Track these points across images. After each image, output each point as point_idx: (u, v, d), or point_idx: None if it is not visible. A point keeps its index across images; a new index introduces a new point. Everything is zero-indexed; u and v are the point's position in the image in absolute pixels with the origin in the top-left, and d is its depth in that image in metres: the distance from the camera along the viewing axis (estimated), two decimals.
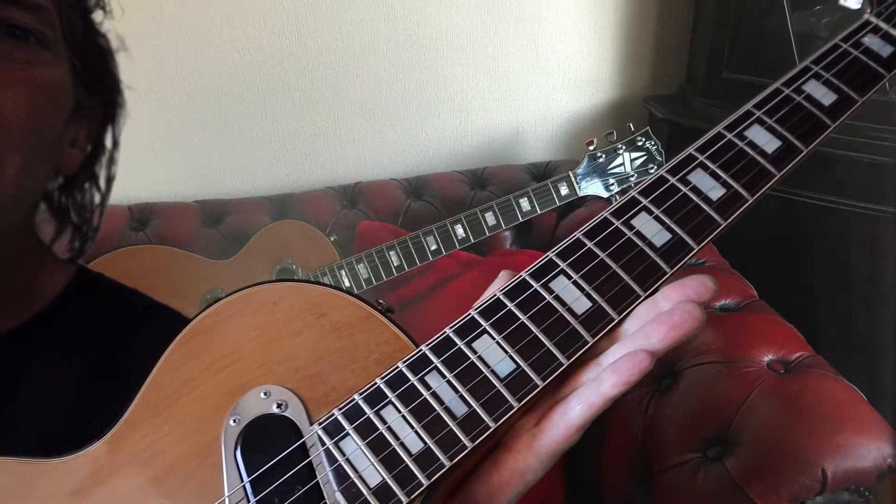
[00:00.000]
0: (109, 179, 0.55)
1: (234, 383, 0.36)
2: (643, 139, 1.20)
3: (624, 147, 1.20)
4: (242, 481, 0.34)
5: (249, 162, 1.51)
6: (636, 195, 0.38)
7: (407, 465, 0.33)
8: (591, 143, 1.20)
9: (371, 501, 0.32)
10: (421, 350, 0.36)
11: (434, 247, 1.15)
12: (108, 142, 0.55)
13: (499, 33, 1.45)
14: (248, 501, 0.33)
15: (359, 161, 1.51)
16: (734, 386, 0.81)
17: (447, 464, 0.33)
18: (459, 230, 1.15)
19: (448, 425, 0.33)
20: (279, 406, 0.35)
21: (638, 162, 1.20)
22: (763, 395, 0.78)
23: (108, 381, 0.46)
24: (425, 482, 0.32)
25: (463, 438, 0.33)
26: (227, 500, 0.33)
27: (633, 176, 1.21)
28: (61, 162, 0.49)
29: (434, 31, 1.42)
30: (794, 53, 1.18)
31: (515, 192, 1.17)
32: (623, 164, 1.20)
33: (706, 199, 0.38)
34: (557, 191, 1.18)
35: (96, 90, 0.51)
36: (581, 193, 1.19)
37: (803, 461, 0.71)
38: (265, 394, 0.36)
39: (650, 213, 0.38)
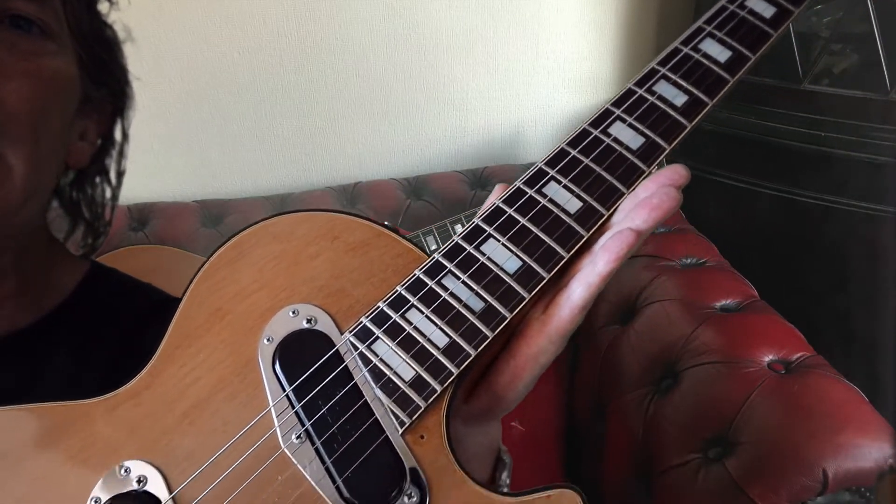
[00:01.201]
0: (120, 173, 0.55)
1: (263, 307, 0.39)
2: None
3: None
4: (284, 391, 0.36)
5: (249, 162, 1.51)
6: (610, 107, 0.43)
7: (436, 358, 0.37)
8: None
9: (409, 392, 0.36)
10: (434, 258, 0.40)
11: (434, 247, 1.14)
12: (118, 135, 0.54)
13: (499, 33, 1.45)
14: (293, 407, 0.36)
15: (359, 161, 1.51)
16: (735, 386, 0.81)
17: (472, 353, 0.37)
18: (459, 230, 1.15)
19: (469, 319, 0.38)
20: (309, 321, 0.38)
21: None
22: (764, 395, 0.78)
23: (127, 372, 0.46)
24: (455, 371, 0.37)
25: (483, 329, 0.37)
26: (272, 408, 0.36)
27: None
28: (71, 156, 0.49)
29: (434, 30, 1.41)
30: (795, 53, 1.17)
31: None
32: None
33: (672, 106, 0.43)
34: None
35: (104, 82, 0.50)
36: None
37: (804, 461, 0.71)
38: (293, 312, 0.39)
39: (623, 121, 0.42)
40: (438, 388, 0.36)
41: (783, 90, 1.20)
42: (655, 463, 0.87)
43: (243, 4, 1.38)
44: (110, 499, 0.34)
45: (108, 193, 0.55)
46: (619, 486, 0.94)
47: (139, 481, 0.35)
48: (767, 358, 0.84)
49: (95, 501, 0.34)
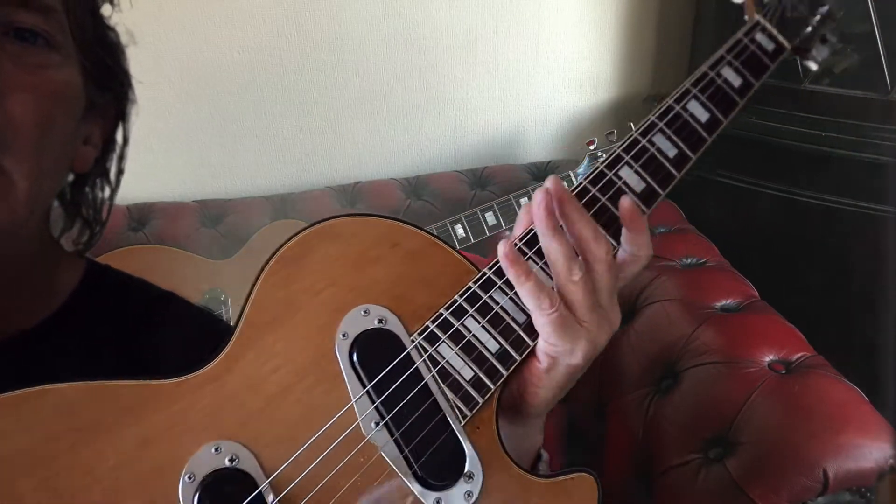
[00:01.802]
0: (119, 173, 0.56)
1: (334, 304, 0.42)
2: None
3: None
4: (365, 386, 0.41)
5: (249, 162, 1.50)
6: (623, 149, 0.50)
7: (491, 362, 0.43)
8: (591, 142, 1.20)
9: (470, 390, 0.42)
10: (486, 273, 0.45)
11: None
12: (119, 137, 0.55)
13: (499, 32, 1.45)
14: (373, 402, 0.40)
15: (358, 161, 1.51)
16: (735, 386, 0.81)
17: (518, 358, 0.44)
18: (459, 230, 1.14)
19: (515, 330, 0.44)
20: (380, 321, 0.42)
21: None
22: (764, 395, 0.78)
23: (132, 367, 0.47)
24: (505, 373, 0.43)
25: (527, 339, 0.44)
26: (354, 404, 0.40)
27: None
28: (76, 161, 0.49)
29: (434, 30, 1.41)
30: None
31: (516, 191, 1.17)
32: None
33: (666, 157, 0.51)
34: None
35: (108, 87, 0.50)
36: None
37: (804, 462, 0.71)
38: (365, 312, 0.42)
39: (630, 166, 0.50)
40: (492, 387, 0.43)
41: (784, 90, 1.20)
42: (656, 463, 0.87)
43: (243, 4, 1.38)
44: (208, 474, 0.36)
45: (107, 193, 0.55)
46: (620, 486, 0.94)
47: (231, 460, 0.37)
48: (768, 358, 0.83)
49: (190, 477, 0.36)
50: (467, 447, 0.41)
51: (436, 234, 1.14)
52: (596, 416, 1.04)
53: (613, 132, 1.20)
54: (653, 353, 0.96)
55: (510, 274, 0.43)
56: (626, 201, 0.45)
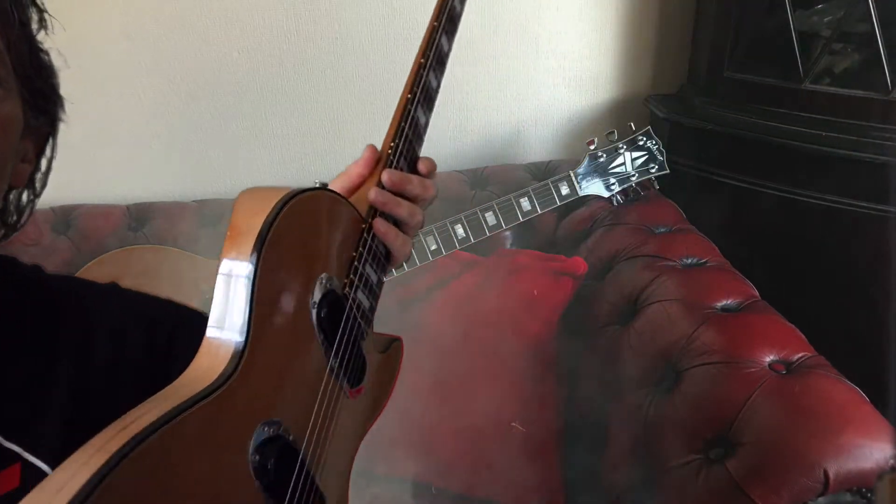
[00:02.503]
0: (44, 184, 0.57)
1: (304, 280, 0.48)
2: (644, 138, 1.20)
3: (625, 146, 1.20)
4: (333, 344, 0.49)
5: (249, 162, 1.50)
6: None
7: (375, 290, 0.57)
8: (591, 142, 1.19)
9: (368, 314, 0.55)
10: (367, 221, 0.56)
11: (434, 247, 1.14)
12: (48, 150, 0.56)
13: (499, 32, 1.45)
14: (338, 358, 0.49)
15: None
16: (735, 387, 0.81)
17: (385, 281, 0.58)
18: (459, 230, 1.14)
19: (383, 263, 0.58)
20: (329, 283, 0.50)
21: (639, 161, 1.20)
22: (765, 395, 0.78)
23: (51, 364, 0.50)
24: (379, 294, 0.57)
25: (387, 266, 0.60)
26: (330, 363, 0.49)
27: (634, 175, 1.20)
28: (14, 177, 0.51)
29: None
30: (797, 52, 1.17)
31: (516, 191, 1.17)
32: (624, 163, 1.20)
33: None
34: (558, 190, 1.17)
35: (43, 110, 0.52)
36: (582, 193, 1.19)
37: (805, 462, 0.71)
38: (321, 279, 0.49)
39: None
40: (376, 307, 0.56)
41: (784, 90, 1.20)
42: (656, 464, 0.87)
43: (243, 4, 1.38)
44: (260, 444, 0.40)
45: (27, 198, 0.56)
46: (620, 486, 0.94)
47: (277, 435, 0.42)
48: (768, 358, 0.83)
49: (255, 452, 0.40)
50: (368, 358, 0.54)
51: (436, 232, 1.14)
52: (596, 416, 1.04)
53: (614, 132, 1.20)
54: (653, 353, 0.96)
55: (387, 208, 0.57)
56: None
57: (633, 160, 1.20)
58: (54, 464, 0.44)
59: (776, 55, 1.21)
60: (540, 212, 1.17)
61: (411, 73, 0.66)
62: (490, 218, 1.15)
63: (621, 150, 1.19)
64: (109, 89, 1.41)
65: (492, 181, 1.42)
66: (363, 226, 0.55)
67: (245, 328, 0.40)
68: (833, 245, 1.18)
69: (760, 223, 1.25)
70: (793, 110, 1.19)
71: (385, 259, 0.58)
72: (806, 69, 1.17)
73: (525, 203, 1.16)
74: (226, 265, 0.42)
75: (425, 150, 0.66)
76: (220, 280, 0.42)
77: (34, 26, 0.51)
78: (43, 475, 0.43)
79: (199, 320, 0.43)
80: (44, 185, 0.57)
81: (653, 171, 1.21)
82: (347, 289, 0.52)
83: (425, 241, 1.15)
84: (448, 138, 1.52)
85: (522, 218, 1.16)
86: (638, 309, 1.03)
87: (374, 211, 0.57)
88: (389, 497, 1.09)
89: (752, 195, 1.24)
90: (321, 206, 0.50)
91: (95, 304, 0.55)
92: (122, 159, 1.46)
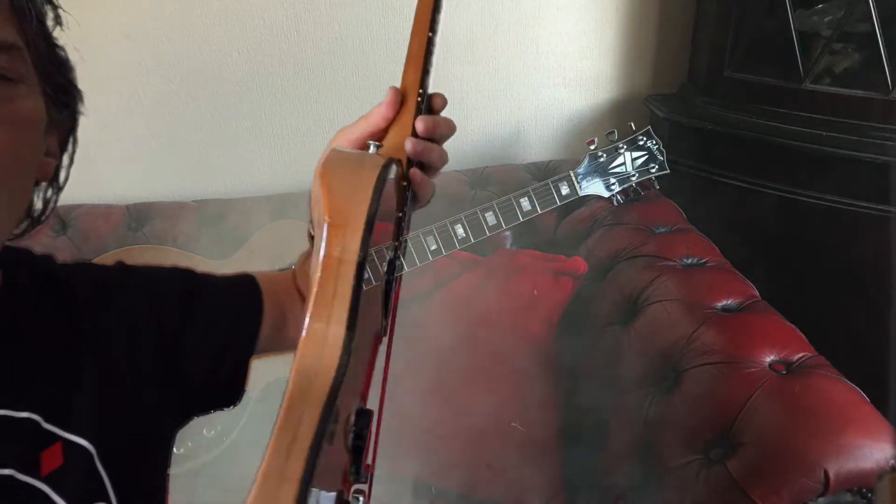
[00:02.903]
0: (66, 178, 0.59)
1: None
2: (644, 138, 1.20)
3: (625, 146, 1.19)
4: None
5: (249, 162, 1.50)
6: None
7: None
8: (591, 142, 1.19)
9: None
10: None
11: (434, 247, 1.14)
12: (70, 144, 0.58)
13: (499, 31, 1.45)
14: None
15: None
16: (736, 387, 0.81)
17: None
18: (459, 230, 1.14)
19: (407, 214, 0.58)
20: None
21: (639, 161, 1.20)
22: (765, 395, 0.78)
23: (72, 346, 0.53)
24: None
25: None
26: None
27: (634, 175, 1.20)
28: (39, 171, 0.53)
29: None
30: (797, 52, 1.17)
31: (516, 191, 1.17)
32: (624, 163, 1.20)
33: None
34: (558, 190, 1.17)
35: (65, 105, 0.54)
36: (582, 193, 1.19)
37: (805, 462, 0.71)
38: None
39: None
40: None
41: (784, 90, 1.20)
42: (656, 464, 0.87)
43: (243, 4, 1.38)
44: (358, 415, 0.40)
45: (51, 193, 0.58)
46: (620, 486, 0.94)
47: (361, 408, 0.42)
48: (769, 358, 0.83)
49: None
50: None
51: (436, 232, 1.14)
52: (596, 417, 1.04)
53: (614, 131, 1.20)
54: (653, 353, 0.95)
55: (423, 157, 0.58)
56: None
57: (633, 160, 1.20)
58: (93, 440, 0.51)
59: (776, 55, 1.21)
60: (540, 212, 1.16)
61: (422, 13, 0.64)
62: (490, 218, 1.15)
63: (621, 150, 1.19)
64: (109, 89, 1.40)
65: (492, 181, 1.42)
66: (404, 183, 0.55)
67: (352, 317, 0.40)
68: (833, 245, 1.18)
69: (761, 223, 1.25)
70: (793, 110, 1.19)
71: (411, 208, 0.58)
72: (806, 69, 1.17)
73: (525, 203, 1.16)
74: (332, 257, 0.40)
75: None
76: (324, 267, 0.40)
77: (49, 23, 0.52)
78: (83, 450, 0.50)
79: (211, 285, 0.45)
80: (66, 179, 0.59)
81: (653, 171, 1.20)
82: (399, 249, 0.53)
83: (425, 241, 1.15)
84: (448, 138, 1.52)
85: (522, 218, 1.16)
86: (638, 309, 1.03)
87: (409, 161, 0.56)
88: (389, 497, 1.09)
89: (752, 195, 1.24)
90: (396, 176, 0.50)
91: (109, 286, 0.58)
92: (122, 159, 1.46)
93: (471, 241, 1.15)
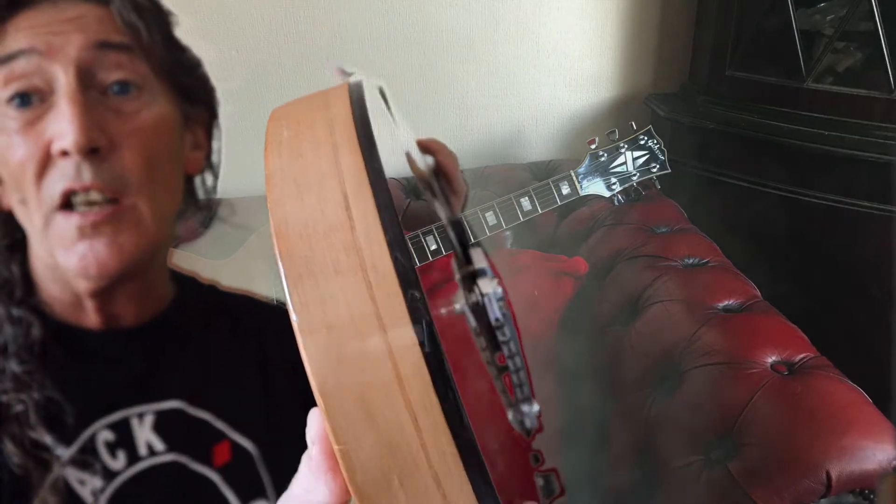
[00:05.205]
0: (220, 163, 0.64)
1: None
2: (645, 138, 1.19)
3: (626, 146, 1.19)
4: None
5: (249, 162, 1.49)
6: None
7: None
8: (592, 141, 1.19)
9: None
10: None
11: (434, 247, 1.14)
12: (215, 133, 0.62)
13: (499, 31, 1.44)
14: None
15: None
16: (737, 387, 0.81)
17: None
18: None
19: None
20: None
21: (640, 161, 1.20)
22: (767, 396, 0.78)
23: (226, 365, 0.56)
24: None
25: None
26: None
27: (635, 175, 1.20)
28: (189, 165, 0.56)
29: (434, 29, 1.41)
30: (798, 51, 1.17)
31: (516, 191, 1.16)
32: (625, 162, 1.19)
33: None
34: (559, 190, 1.17)
35: (197, 100, 0.57)
36: (583, 193, 1.18)
37: (807, 463, 0.71)
38: None
39: None
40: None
41: (787, 89, 1.20)
42: (657, 464, 0.86)
43: (242, 4, 1.37)
44: None
45: (211, 182, 0.63)
46: (621, 487, 0.93)
47: None
48: (770, 359, 0.83)
49: None
50: None
51: (436, 232, 1.14)
52: (597, 417, 1.03)
53: (615, 131, 1.20)
54: (655, 353, 0.95)
55: None
56: None
57: (634, 159, 1.19)
58: (257, 442, 0.54)
59: (778, 54, 1.21)
60: (541, 211, 1.16)
61: None
62: (490, 218, 1.14)
63: (622, 150, 1.19)
64: None
65: (492, 181, 1.42)
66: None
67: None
68: (835, 245, 1.17)
69: (762, 223, 1.25)
70: (795, 109, 1.19)
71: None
72: (808, 68, 1.16)
73: (526, 203, 1.15)
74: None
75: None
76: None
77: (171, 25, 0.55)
78: (247, 451, 0.54)
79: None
80: (219, 165, 0.64)
81: (654, 170, 1.20)
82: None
83: (425, 241, 1.15)
84: (448, 138, 1.51)
85: (523, 218, 1.16)
86: (639, 309, 1.03)
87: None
88: None
89: (753, 195, 1.24)
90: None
91: (258, 312, 0.63)
92: None
93: (471, 241, 1.15)
